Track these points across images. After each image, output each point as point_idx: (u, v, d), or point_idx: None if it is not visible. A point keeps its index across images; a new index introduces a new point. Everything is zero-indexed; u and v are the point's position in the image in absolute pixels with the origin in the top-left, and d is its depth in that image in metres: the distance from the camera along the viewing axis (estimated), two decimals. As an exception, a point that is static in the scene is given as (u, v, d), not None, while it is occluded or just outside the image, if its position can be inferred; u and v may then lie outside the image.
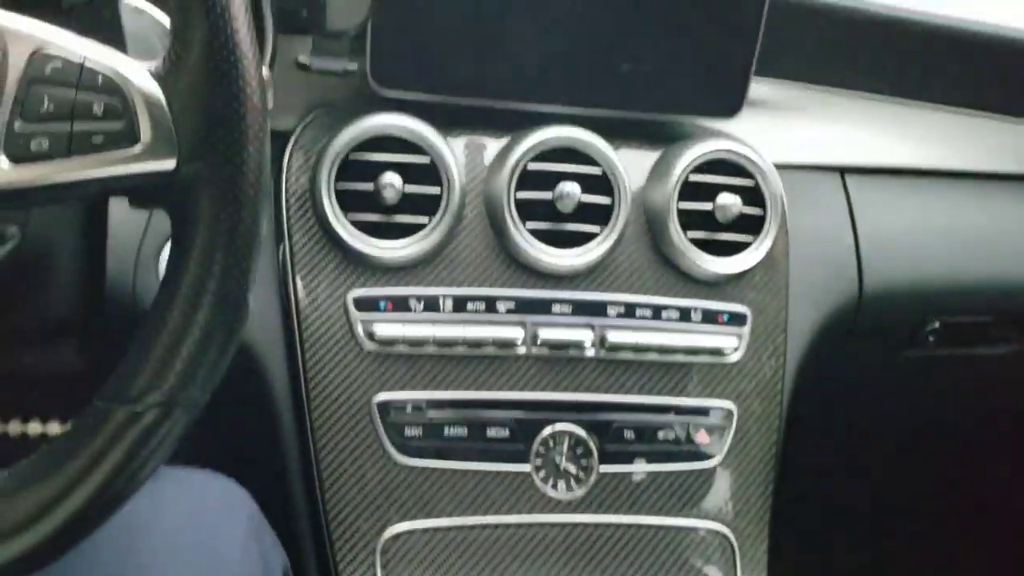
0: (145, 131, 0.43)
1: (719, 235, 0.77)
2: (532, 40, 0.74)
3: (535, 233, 0.73)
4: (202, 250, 0.44)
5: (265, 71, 0.65)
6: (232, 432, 0.95)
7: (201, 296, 0.44)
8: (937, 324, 0.93)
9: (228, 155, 0.44)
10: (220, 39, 0.43)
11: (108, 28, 0.53)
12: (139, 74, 0.44)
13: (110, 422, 0.43)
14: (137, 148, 0.43)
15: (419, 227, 0.72)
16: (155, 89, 0.44)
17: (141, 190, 0.45)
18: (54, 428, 0.87)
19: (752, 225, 0.78)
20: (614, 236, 0.74)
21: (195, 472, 0.60)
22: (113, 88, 0.43)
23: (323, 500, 0.71)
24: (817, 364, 0.85)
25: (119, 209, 0.69)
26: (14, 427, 0.87)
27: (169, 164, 0.44)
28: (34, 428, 0.87)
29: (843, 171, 0.89)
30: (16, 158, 0.41)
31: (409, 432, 0.72)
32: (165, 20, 0.46)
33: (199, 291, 0.44)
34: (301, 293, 0.72)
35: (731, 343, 0.78)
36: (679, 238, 0.76)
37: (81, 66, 0.42)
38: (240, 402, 0.79)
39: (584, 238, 0.74)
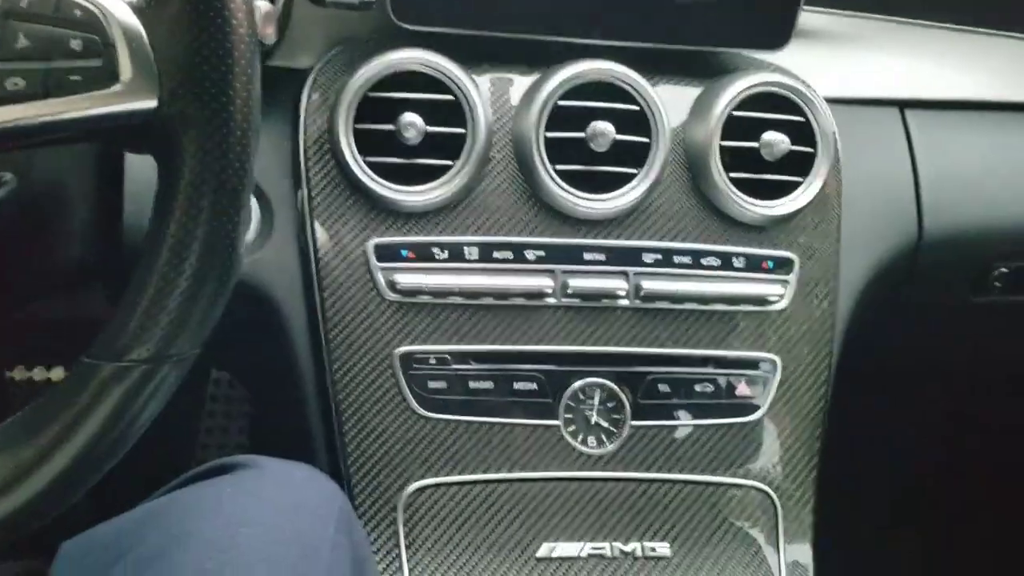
0: (125, 68, 0.41)
1: (765, 176, 0.72)
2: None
3: (566, 176, 0.69)
4: (188, 195, 0.41)
5: (265, 4, 0.61)
6: (253, 389, 0.94)
7: (188, 244, 0.41)
8: (1004, 269, 0.87)
9: (214, 92, 0.41)
10: None
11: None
12: (119, 7, 0.41)
13: (95, 379, 0.41)
14: (117, 87, 0.41)
15: (442, 170, 0.68)
16: (136, 23, 0.41)
17: (122, 131, 0.43)
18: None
19: (801, 164, 0.73)
20: (651, 178, 0.70)
21: (292, 466, 0.59)
22: (92, 23, 0.41)
23: (344, 454, 0.69)
24: (870, 313, 0.80)
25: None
26: (37, 373, 0.87)
27: (151, 103, 0.41)
28: (40, 374, 0.87)
29: (903, 105, 0.83)
30: None
31: (433, 385, 0.69)
32: None
33: (185, 239, 0.41)
34: (320, 240, 0.69)
35: (776, 291, 0.74)
36: (721, 179, 0.71)
37: None
38: (260, 356, 0.77)
39: (619, 180, 0.70)
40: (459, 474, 0.70)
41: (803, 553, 0.74)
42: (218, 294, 0.42)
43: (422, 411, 0.69)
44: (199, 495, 0.55)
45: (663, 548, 0.72)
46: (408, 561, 0.68)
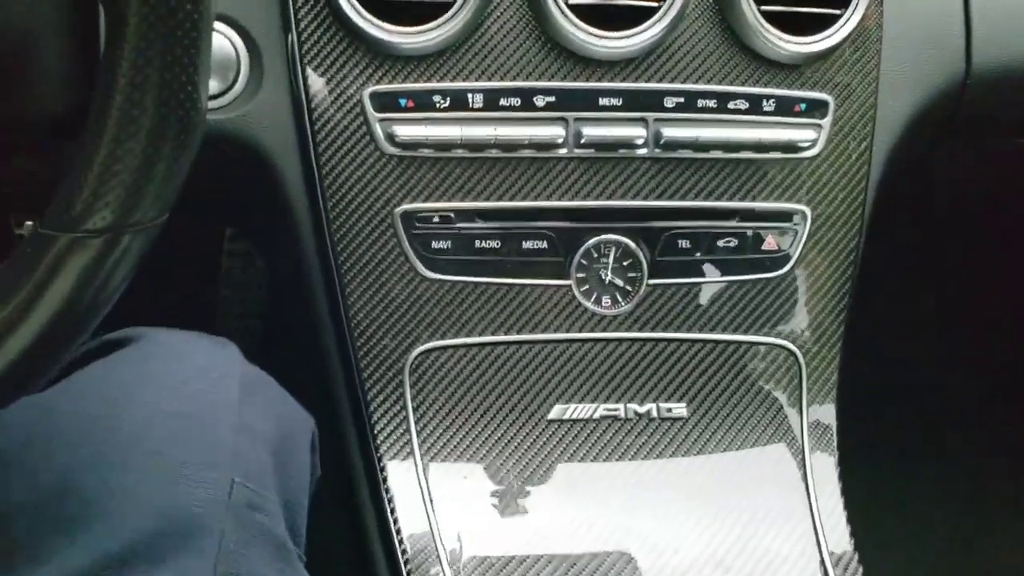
0: None
1: (799, 8, 0.66)
2: None
3: (579, 11, 0.63)
4: (137, 37, 0.36)
5: None
6: (262, 249, 0.90)
7: (141, 95, 0.36)
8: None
9: None
10: None
11: None
12: None
13: (50, 252, 0.37)
14: None
15: (443, 8, 0.62)
16: None
17: None
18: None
19: None
20: (674, 11, 0.64)
21: (180, 335, 0.55)
22: None
23: (347, 317, 0.66)
24: (908, 160, 0.74)
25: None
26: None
27: None
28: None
29: None
30: None
31: (436, 245, 0.66)
32: None
33: (137, 89, 0.36)
34: (313, 90, 0.64)
35: (808, 136, 0.68)
36: (752, 11, 0.65)
37: None
38: (264, 215, 0.73)
39: (638, 16, 0.64)
40: (466, 336, 0.67)
41: (827, 413, 0.72)
42: (179, 154, 0.38)
43: (426, 272, 0.66)
44: (77, 379, 0.51)
45: (679, 409, 0.69)
46: (416, 424, 0.66)
